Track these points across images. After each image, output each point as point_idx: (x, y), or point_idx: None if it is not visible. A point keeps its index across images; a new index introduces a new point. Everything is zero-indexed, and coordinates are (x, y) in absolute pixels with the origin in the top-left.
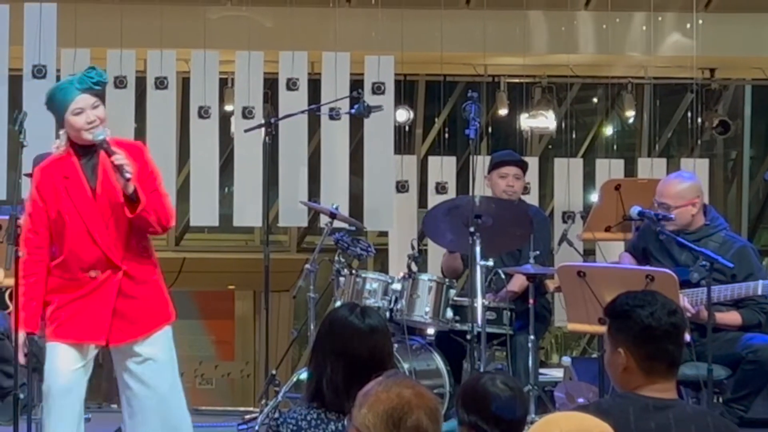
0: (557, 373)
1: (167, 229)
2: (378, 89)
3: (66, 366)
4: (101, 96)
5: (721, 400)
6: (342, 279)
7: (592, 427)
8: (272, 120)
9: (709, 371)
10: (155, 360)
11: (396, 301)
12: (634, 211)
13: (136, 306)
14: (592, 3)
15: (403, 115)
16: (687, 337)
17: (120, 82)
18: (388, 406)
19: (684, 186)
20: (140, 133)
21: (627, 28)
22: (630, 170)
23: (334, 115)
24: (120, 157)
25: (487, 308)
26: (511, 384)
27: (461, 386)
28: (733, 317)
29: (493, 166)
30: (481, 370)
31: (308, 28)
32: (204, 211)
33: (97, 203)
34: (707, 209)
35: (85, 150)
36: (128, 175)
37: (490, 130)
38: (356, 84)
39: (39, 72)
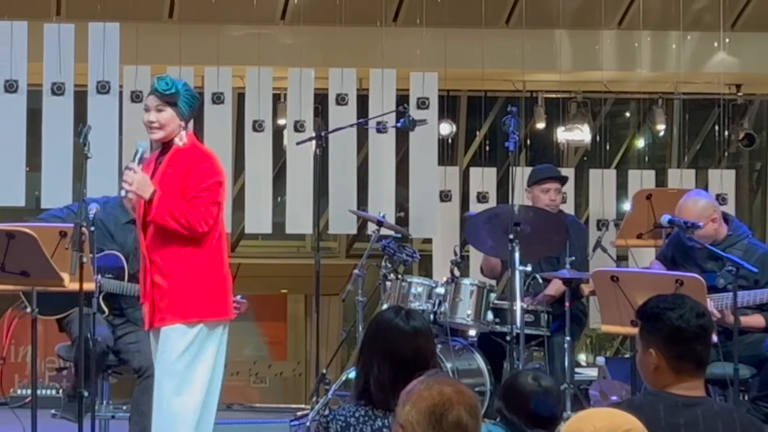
0: (592, 373)
1: (198, 232)
2: (422, 104)
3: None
4: (171, 103)
5: (746, 398)
6: (388, 283)
7: (624, 422)
8: (322, 133)
9: (735, 371)
10: (162, 352)
11: (439, 304)
12: (665, 219)
13: (161, 295)
14: (625, 22)
15: (446, 128)
16: (714, 338)
17: (193, 97)
18: (430, 403)
19: (701, 205)
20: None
21: (658, 46)
22: (660, 181)
23: (381, 128)
24: (130, 174)
25: (525, 311)
26: (545, 382)
27: (501, 385)
28: (757, 320)
29: (536, 181)
30: (533, 368)
31: (357, 46)
32: (258, 220)
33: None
34: (730, 219)
35: (163, 146)
36: (122, 192)
37: (528, 142)
38: (402, 99)
39: (103, 88)
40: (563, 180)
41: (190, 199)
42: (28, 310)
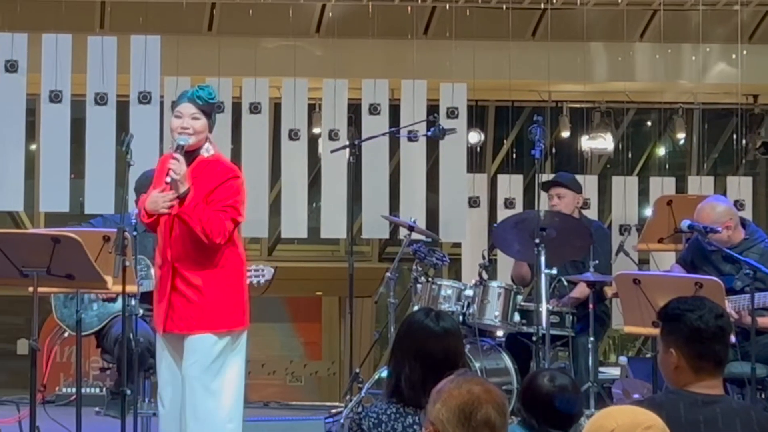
0: (615, 372)
1: (214, 243)
2: (452, 113)
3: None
4: (207, 113)
5: (763, 396)
6: (419, 286)
7: (645, 419)
8: (356, 141)
9: (752, 370)
10: (194, 362)
11: (468, 306)
12: (685, 224)
13: (185, 304)
14: (647, 35)
15: (475, 137)
16: (732, 338)
17: (217, 108)
18: (459, 401)
19: (719, 210)
20: (236, 154)
21: (678, 58)
22: (681, 187)
23: (412, 137)
24: (175, 163)
25: (551, 312)
26: (561, 382)
27: (522, 385)
28: None
29: (544, 190)
30: (550, 369)
31: (389, 58)
32: (294, 225)
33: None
34: (747, 224)
35: (187, 155)
36: (168, 179)
37: (553, 150)
38: (432, 109)
39: (144, 98)
40: (562, 185)
41: (215, 210)
42: (66, 334)
